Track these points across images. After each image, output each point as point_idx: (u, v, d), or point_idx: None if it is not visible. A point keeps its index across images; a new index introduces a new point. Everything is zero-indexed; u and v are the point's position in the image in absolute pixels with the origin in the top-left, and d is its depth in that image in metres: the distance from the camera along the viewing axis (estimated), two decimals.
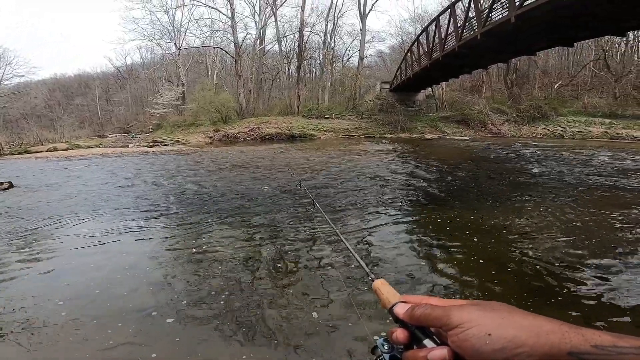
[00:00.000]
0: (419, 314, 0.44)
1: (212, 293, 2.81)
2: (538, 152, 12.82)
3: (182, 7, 27.11)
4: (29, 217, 5.29)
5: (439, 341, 0.43)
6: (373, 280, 0.56)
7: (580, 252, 3.59)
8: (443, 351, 0.40)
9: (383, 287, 0.54)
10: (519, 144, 15.70)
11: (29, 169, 11.39)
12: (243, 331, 2.32)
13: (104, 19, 69.20)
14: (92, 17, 76.23)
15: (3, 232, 4.59)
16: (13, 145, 20.51)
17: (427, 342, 0.43)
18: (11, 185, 7.98)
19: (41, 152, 18.22)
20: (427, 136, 20.57)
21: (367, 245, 3.84)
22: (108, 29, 71.90)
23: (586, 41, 17.06)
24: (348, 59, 33.33)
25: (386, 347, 0.48)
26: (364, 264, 0.66)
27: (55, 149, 18.76)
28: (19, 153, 18.44)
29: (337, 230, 0.85)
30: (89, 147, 19.60)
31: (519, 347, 0.34)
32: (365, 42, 27.85)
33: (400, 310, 0.47)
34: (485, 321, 0.37)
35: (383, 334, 0.52)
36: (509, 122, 21.91)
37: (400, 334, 0.45)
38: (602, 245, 3.77)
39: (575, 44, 10.86)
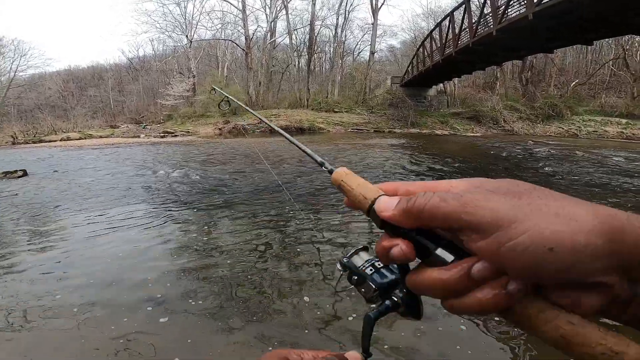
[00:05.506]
0: (419, 208, 0.27)
1: (219, 284, 2.84)
2: (552, 150, 12.58)
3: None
4: (42, 205, 5.40)
5: (450, 248, 0.28)
6: (331, 172, 0.37)
7: None
8: (486, 265, 0.26)
9: (349, 178, 0.34)
10: (532, 142, 15.42)
11: (43, 158, 11.62)
12: (252, 325, 2.34)
13: (118, 11, 69.80)
14: (107, 9, 76.78)
15: (16, 220, 4.70)
16: (27, 134, 20.93)
17: (441, 252, 0.28)
18: (25, 174, 8.15)
19: (55, 141, 18.56)
20: (437, 132, 20.34)
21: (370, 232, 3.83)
22: (122, 21, 72.48)
23: (606, 39, 16.58)
24: (359, 53, 33.09)
25: (370, 268, 0.34)
26: (314, 154, 0.46)
27: (69, 139, 19.09)
28: (33, 142, 18.82)
29: (278, 130, 0.65)
30: (101, 137, 19.88)
31: (592, 260, 0.23)
32: (376, 37, 27.57)
33: (387, 205, 0.30)
34: (535, 220, 0.24)
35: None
36: (522, 119, 21.53)
37: (406, 247, 0.28)
38: None
39: (594, 42, 10.57)
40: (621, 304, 0.25)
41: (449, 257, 0.27)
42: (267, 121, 0.75)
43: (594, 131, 20.14)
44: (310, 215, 4.66)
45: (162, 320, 2.36)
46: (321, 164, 0.42)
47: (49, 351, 2.12)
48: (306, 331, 2.26)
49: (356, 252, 0.35)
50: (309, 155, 0.47)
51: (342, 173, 0.36)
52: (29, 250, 3.63)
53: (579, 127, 20.64)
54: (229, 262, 3.26)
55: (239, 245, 3.68)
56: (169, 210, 5.01)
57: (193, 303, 2.56)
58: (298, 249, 3.59)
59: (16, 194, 6.18)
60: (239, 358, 2.06)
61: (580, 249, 0.23)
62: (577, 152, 12.23)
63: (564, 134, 20.32)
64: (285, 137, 0.57)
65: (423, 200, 0.28)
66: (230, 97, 1.32)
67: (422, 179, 7.27)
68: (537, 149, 13.01)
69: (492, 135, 19.89)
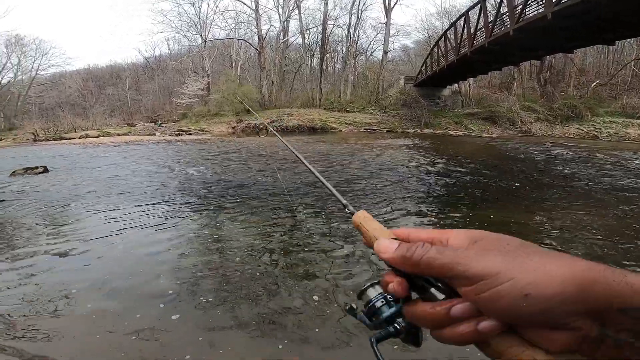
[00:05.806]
0: (417, 258, 0.32)
1: (231, 283, 2.87)
2: (571, 152, 12.26)
3: None
4: (61, 201, 5.55)
5: (443, 288, 0.33)
6: (352, 214, 0.44)
7: (608, 259, 3.41)
8: (469, 306, 0.31)
9: (367, 221, 0.42)
10: (550, 144, 15.04)
11: (63, 155, 11.95)
12: (262, 323, 2.35)
13: (137, 11, 71.13)
14: (126, 9, 78.60)
15: (35, 215, 4.85)
16: (48, 132, 21.58)
17: (434, 291, 0.33)
18: (45, 170, 8.40)
19: (74, 138, 19.08)
20: (451, 133, 20.05)
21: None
22: (139, 21, 74.10)
23: (628, 39, 15.99)
24: (372, 52, 32.88)
25: (381, 300, 0.38)
26: (339, 196, 0.51)
27: (88, 136, 19.59)
28: (54, 139, 19.39)
29: (303, 161, 0.69)
30: (118, 134, 20.34)
31: (562, 306, 0.27)
32: (389, 36, 27.30)
33: (387, 248, 0.35)
34: (516, 273, 0.28)
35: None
36: (540, 121, 21.00)
37: (398, 285, 0.34)
38: (629, 254, 3.57)
39: (615, 42, 10.24)
40: (592, 344, 0.27)
41: (440, 295, 0.33)
42: (296, 153, 0.78)
43: (614, 133, 19.51)
44: (322, 217, 4.66)
45: (173, 317, 2.39)
46: (345, 206, 0.48)
47: (61, 346, 2.16)
48: (317, 330, 2.27)
49: (372, 285, 0.39)
50: (335, 195, 0.52)
51: (361, 216, 0.43)
52: (45, 246, 3.74)
53: (600, 128, 20.02)
54: (241, 261, 3.29)
55: (251, 245, 3.71)
56: (183, 209, 5.09)
57: (204, 301, 2.60)
58: (309, 252, 3.60)
59: (37, 190, 6.37)
60: (250, 356, 2.07)
61: (551, 295, 0.27)
62: (597, 154, 11.88)
63: (583, 135, 19.75)
64: (315, 175, 0.60)
65: (421, 251, 0.32)
66: (270, 127, 1.50)
67: (438, 180, 7.22)
68: (556, 151, 12.69)
69: (509, 136, 19.49)
